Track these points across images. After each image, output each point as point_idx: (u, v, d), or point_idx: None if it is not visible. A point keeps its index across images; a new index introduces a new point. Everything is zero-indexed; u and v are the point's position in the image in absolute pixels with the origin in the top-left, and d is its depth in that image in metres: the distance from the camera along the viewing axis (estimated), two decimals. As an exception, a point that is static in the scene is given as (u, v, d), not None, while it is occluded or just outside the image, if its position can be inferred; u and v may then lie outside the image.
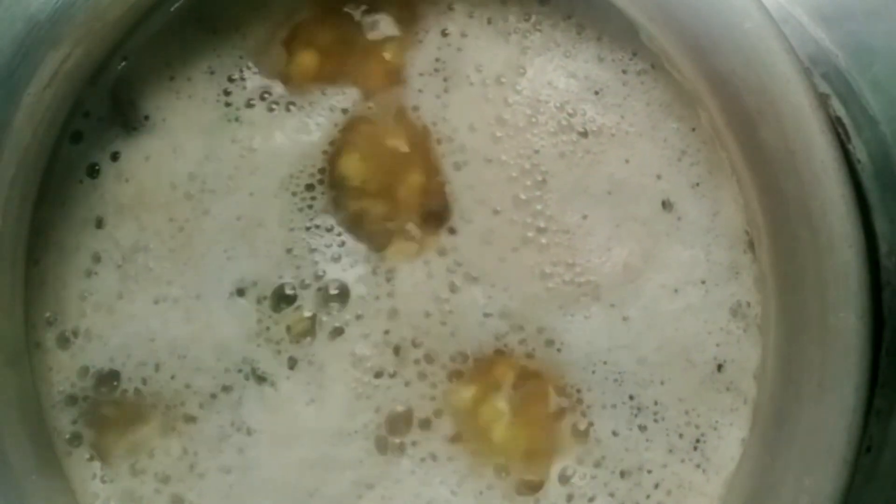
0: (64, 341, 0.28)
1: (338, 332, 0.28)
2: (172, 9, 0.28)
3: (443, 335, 0.27)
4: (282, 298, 0.28)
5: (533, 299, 0.27)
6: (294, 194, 0.28)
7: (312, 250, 0.28)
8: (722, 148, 0.25)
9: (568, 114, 0.27)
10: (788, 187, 0.24)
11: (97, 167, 0.28)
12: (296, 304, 0.28)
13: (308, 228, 0.28)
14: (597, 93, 0.27)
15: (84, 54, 0.26)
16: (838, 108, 0.28)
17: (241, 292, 0.28)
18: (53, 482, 0.27)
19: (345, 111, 0.28)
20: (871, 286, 0.24)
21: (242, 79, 0.28)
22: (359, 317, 0.28)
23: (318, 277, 0.28)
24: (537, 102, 0.27)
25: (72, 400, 0.28)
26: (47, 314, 0.28)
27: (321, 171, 0.28)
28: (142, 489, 0.28)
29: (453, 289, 0.27)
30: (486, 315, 0.27)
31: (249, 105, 0.28)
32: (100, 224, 0.28)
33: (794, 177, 0.24)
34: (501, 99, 0.27)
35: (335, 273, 0.28)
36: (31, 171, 0.27)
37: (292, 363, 0.28)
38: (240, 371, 0.28)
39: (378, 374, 0.28)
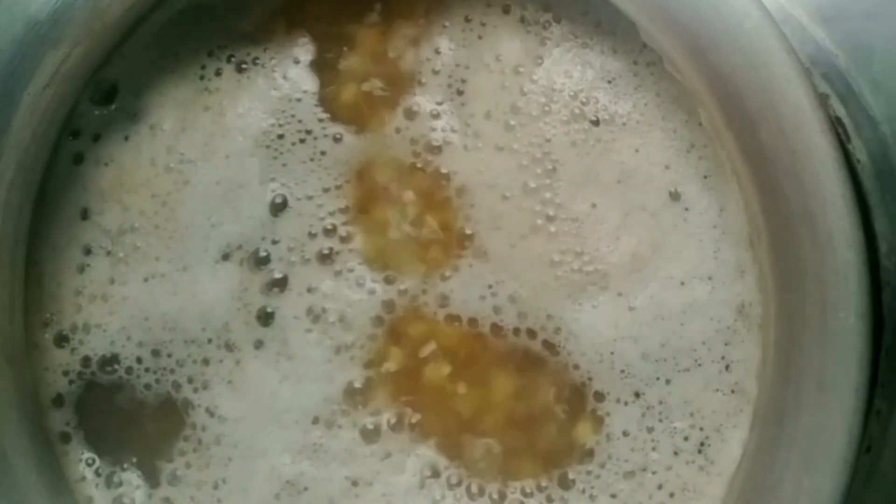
0: (62, 339, 0.28)
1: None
2: (172, 9, 0.28)
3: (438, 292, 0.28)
4: (259, 260, 0.28)
5: (541, 287, 0.27)
6: (268, 147, 0.28)
7: (298, 200, 0.28)
8: (722, 148, 0.25)
9: (581, 102, 0.27)
10: (788, 187, 0.24)
11: (81, 156, 0.28)
12: (269, 266, 0.28)
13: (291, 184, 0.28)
14: (610, 82, 0.27)
15: (84, 54, 0.26)
16: (838, 108, 0.28)
17: (226, 257, 0.28)
18: (52, 482, 0.27)
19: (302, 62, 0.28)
20: (871, 286, 0.24)
21: (220, 48, 0.28)
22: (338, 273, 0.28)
23: (310, 235, 0.28)
24: (552, 91, 0.28)
25: (69, 401, 0.28)
26: (46, 315, 0.28)
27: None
28: (135, 493, 0.28)
29: (460, 256, 0.28)
30: (492, 293, 0.27)
31: (218, 73, 0.28)
32: (85, 215, 0.28)
33: (794, 177, 0.24)
34: (518, 87, 0.28)
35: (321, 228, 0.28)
36: (31, 171, 0.27)
37: (264, 327, 0.28)
38: (219, 339, 0.28)
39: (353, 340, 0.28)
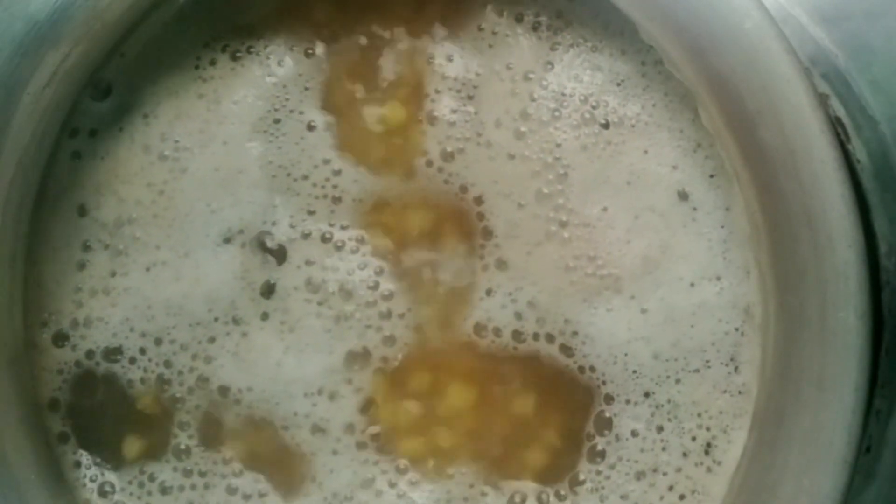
0: (62, 338, 0.28)
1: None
2: (172, 7, 0.28)
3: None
4: (261, 243, 0.28)
5: (558, 293, 0.27)
6: (265, 132, 0.28)
7: (295, 181, 0.28)
8: (722, 148, 0.25)
9: (591, 106, 0.27)
10: (788, 187, 0.24)
11: (79, 153, 0.28)
12: (271, 247, 0.28)
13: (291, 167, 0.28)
14: (619, 84, 0.27)
15: (83, 54, 0.26)
16: (838, 108, 0.28)
17: (227, 240, 0.28)
18: (51, 482, 0.27)
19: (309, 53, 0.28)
20: (871, 286, 0.24)
21: (216, 39, 0.28)
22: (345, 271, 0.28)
23: (309, 213, 0.28)
24: (562, 96, 0.28)
25: (68, 400, 0.28)
26: (45, 314, 0.28)
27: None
28: (136, 488, 0.28)
29: (485, 268, 0.28)
30: (512, 300, 0.28)
31: (213, 63, 0.28)
32: (82, 211, 0.28)
33: (794, 177, 0.24)
34: (528, 94, 0.28)
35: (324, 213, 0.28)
36: (30, 170, 0.27)
37: (265, 315, 0.28)
38: (226, 315, 0.28)
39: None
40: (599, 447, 0.27)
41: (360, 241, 0.28)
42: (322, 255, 0.28)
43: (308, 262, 0.28)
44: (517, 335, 0.28)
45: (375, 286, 0.28)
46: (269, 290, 0.28)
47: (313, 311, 0.28)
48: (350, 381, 0.28)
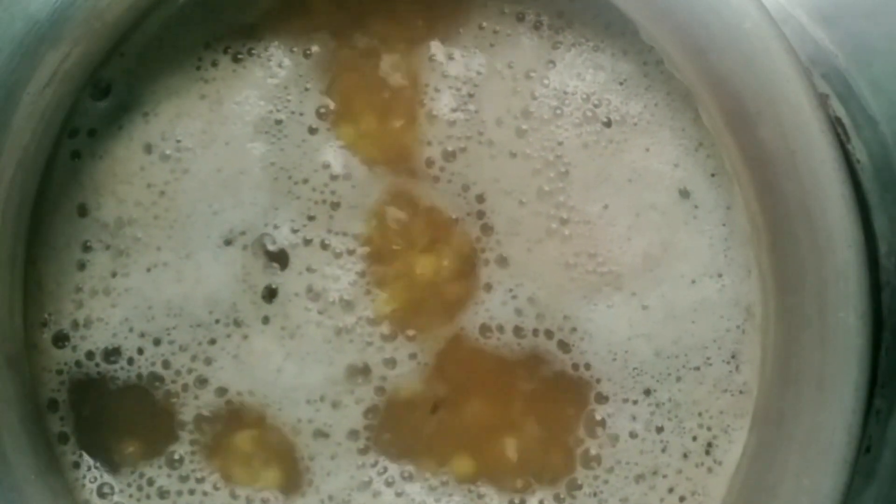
0: (62, 339, 0.28)
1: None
2: (171, 6, 0.28)
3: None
4: (262, 245, 0.28)
5: (558, 289, 0.27)
6: (266, 133, 0.28)
7: (296, 184, 0.28)
8: (722, 147, 0.25)
9: (593, 105, 0.27)
10: (788, 187, 0.24)
11: (79, 153, 0.28)
12: (272, 249, 0.28)
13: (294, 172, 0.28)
14: (621, 83, 0.27)
15: (83, 54, 0.26)
16: (838, 108, 0.28)
17: (229, 242, 0.28)
18: (51, 482, 0.27)
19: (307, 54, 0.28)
20: (871, 286, 0.24)
21: (217, 40, 0.28)
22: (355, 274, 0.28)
23: (310, 218, 0.28)
24: (564, 95, 0.28)
25: (68, 400, 0.28)
26: (45, 315, 0.28)
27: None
28: (136, 487, 0.28)
29: (486, 263, 0.28)
30: (513, 296, 0.28)
31: (214, 64, 0.28)
32: (83, 211, 0.28)
33: (794, 177, 0.24)
34: (529, 92, 0.28)
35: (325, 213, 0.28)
36: (30, 170, 0.27)
37: (266, 319, 0.28)
38: (227, 318, 0.28)
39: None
40: (593, 451, 0.27)
41: (360, 247, 0.28)
42: (322, 262, 0.28)
43: (310, 269, 0.28)
44: (518, 331, 0.28)
45: (374, 295, 0.28)
46: (270, 295, 0.28)
47: (313, 319, 0.28)
48: (352, 392, 0.28)
